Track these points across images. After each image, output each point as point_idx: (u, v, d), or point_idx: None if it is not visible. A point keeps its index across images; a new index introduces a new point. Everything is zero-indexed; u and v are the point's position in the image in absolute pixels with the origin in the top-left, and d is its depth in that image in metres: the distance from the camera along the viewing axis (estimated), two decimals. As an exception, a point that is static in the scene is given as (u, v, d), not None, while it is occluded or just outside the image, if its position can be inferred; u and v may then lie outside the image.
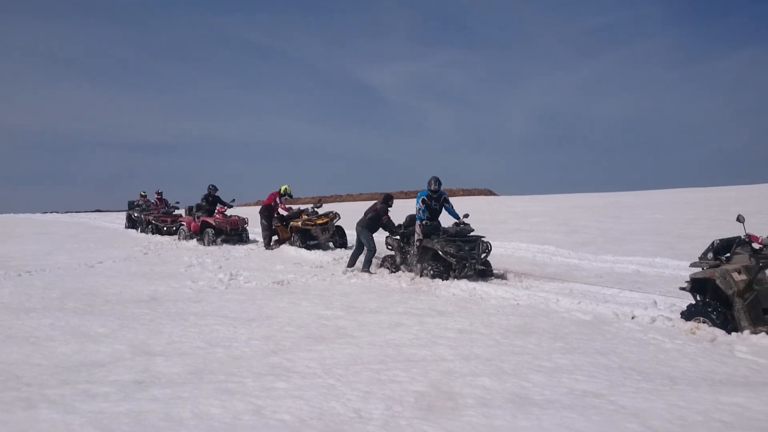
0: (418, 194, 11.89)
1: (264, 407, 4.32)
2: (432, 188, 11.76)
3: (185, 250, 17.48)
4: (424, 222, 11.31)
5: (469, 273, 10.66)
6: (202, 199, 19.71)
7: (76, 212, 60.60)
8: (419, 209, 11.57)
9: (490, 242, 11.38)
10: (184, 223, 20.44)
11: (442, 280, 10.31)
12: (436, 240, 10.87)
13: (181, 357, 5.77)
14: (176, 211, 24.67)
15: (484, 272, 11.03)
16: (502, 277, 11.05)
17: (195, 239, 19.34)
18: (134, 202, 27.86)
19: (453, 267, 10.64)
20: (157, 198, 25.55)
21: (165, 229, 23.22)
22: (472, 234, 11.25)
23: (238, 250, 16.94)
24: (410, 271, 11.43)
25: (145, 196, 27.39)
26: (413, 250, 11.43)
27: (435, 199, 11.77)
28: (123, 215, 31.53)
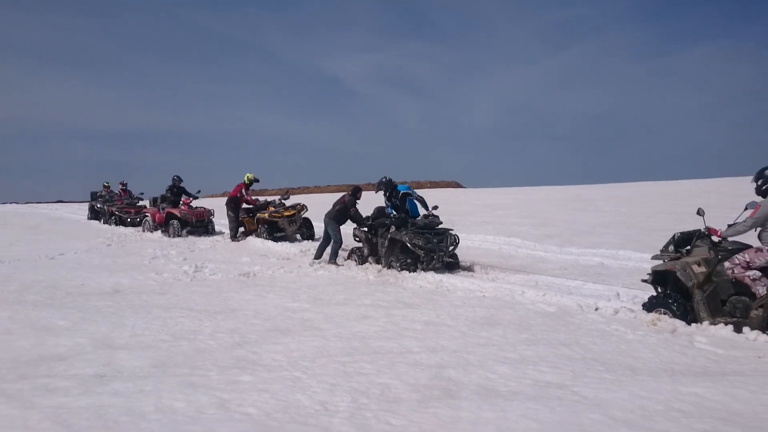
0: (385, 202, 12.09)
1: (229, 400, 4.28)
2: (380, 189, 12.01)
3: (149, 241, 17.22)
4: (392, 215, 11.37)
5: (437, 265, 10.71)
6: (167, 190, 19.41)
7: (37, 203, 59.21)
8: (387, 206, 11.71)
9: (458, 235, 11.44)
10: (149, 215, 20.11)
11: (410, 272, 10.33)
12: (404, 232, 10.88)
13: (144, 350, 5.69)
14: (140, 203, 24.29)
15: (452, 264, 11.08)
16: (468, 269, 11.12)
17: (159, 231, 19.06)
18: (97, 192, 27.30)
19: (421, 259, 10.67)
20: (121, 189, 25.12)
21: (129, 220, 22.83)
22: (440, 227, 11.30)
23: (204, 241, 16.75)
24: (378, 262, 11.43)
25: (108, 187, 26.88)
26: (382, 242, 11.44)
27: (393, 197, 11.86)
28: (85, 206, 30.90)
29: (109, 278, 10.26)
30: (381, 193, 12.31)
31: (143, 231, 19.82)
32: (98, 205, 26.19)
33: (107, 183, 27.02)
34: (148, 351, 5.66)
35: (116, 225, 22.97)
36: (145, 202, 24.09)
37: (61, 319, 7.00)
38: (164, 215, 18.75)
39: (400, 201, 11.97)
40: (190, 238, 17.63)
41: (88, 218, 27.54)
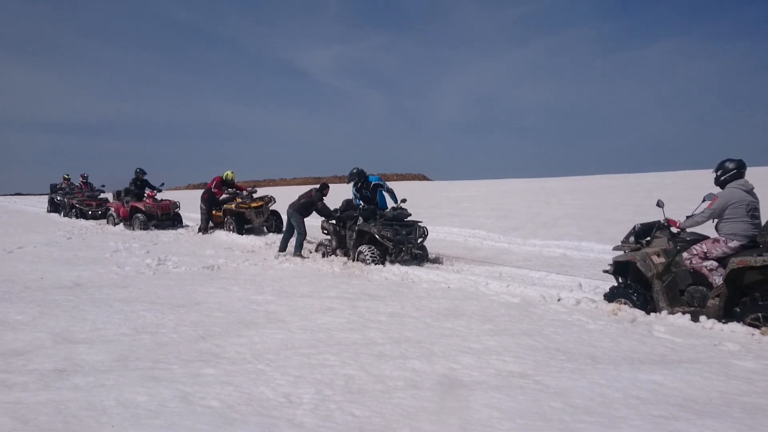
0: (353, 193, 12.08)
1: (191, 394, 4.24)
2: (350, 179, 12.04)
3: (111, 234, 16.94)
4: (360, 207, 11.37)
5: (405, 257, 10.73)
6: (130, 184, 19.08)
7: (-6, 195, 57.84)
8: (355, 198, 11.71)
9: (427, 227, 11.50)
10: (112, 209, 19.76)
11: (381, 265, 10.33)
12: (373, 224, 10.88)
13: (105, 344, 5.60)
14: (102, 195, 23.90)
15: (420, 256, 11.12)
16: (434, 261, 11.18)
17: (122, 224, 18.76)
18: (57, 185, 26.79)
19: (390, 251, 10.69)
20: (82, 182, 24.67)
21: (90, 213, 22.46)
22: (408, 219, 11.33)
23: (167, 234, 16.54)
24: (346, 255, 11.42)
25: (69, 179, 26.39)
26: (350, 234, 11.42)
27: (364, 188, 11.86)
28: (45, 199, 30.31)
29: (70, 272, 10.07)
30: (351, 185, 12.28)
31: (108, 224, 19.49)
32: (58, 198, 25.72)
33: (67, 175, 26.53)
34: (109, 345, 5.57)
35: (77, 218, 22.59)
36: (107, 195, 23.71)
37: (19, 314, 6.86)
38: (128, 209, 18.42)
39: (371, 192, 11.97)
40: (153, 231, 17.39)
41: (48, 211, 27.04)
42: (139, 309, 7.12)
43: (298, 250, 12.02)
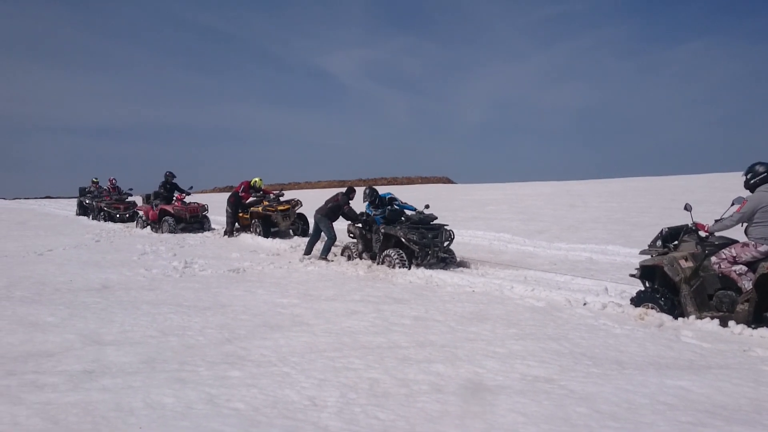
0: (366, 206, 12.00)
1: (217, 396, 4.28)
2: (369, 199, 11.93)
3: (138, 237, 17.16)
4: (386, 215, 11.32)
5: (432, 261, 10.69)
6: (160, 187, 19.27)
7: (25, 198, 58.83)
8: (374, 216, 11.64)
9: (453, 230, 11.46)
10: (141, 212, 19.97)
11: (407, 268, 10.32)
12: (398, 227, 10.88)
13: (132, 346, 5.68)
14: (129, 198, 24.20)
15: (447, 260, 11.08)
16: (458, 264, 11.15)
17: (149, 227, 18.97)
18: (86, 188, 27.17)
19: (416, 254, 10.67)
20: (111, 186, 24.98)
21: (118, 216, 22.75)
22: (435, 222, 11.30)
23: (194, 237, 16.70)
24: (372, 258, 11.43)
25: (97, 183, 26.76)
26: (376, 237, 11.42)
27: (380, 205, 11.80)
28: (74, 202, 30.75)
29: (98, 274, 10.22)
30: (366, 204, 12.15)
31: (137, 227, 19.71)
32: (87, 201, 26.06)
33: (96, 179, 26.91)
34: (136, 347, 5.65)
35: (105, 221, 22.89)
36: (135, 198, 24.00)
37: (49, 316, 6.98)
38: (157, 212, 18.62)
39: (389, 205, 11.91)
40: (180, 234, 17.56)
41: (77, 214, 27.40)
42: (166, 311, 7.20)
43: (325, 254, 12.05)
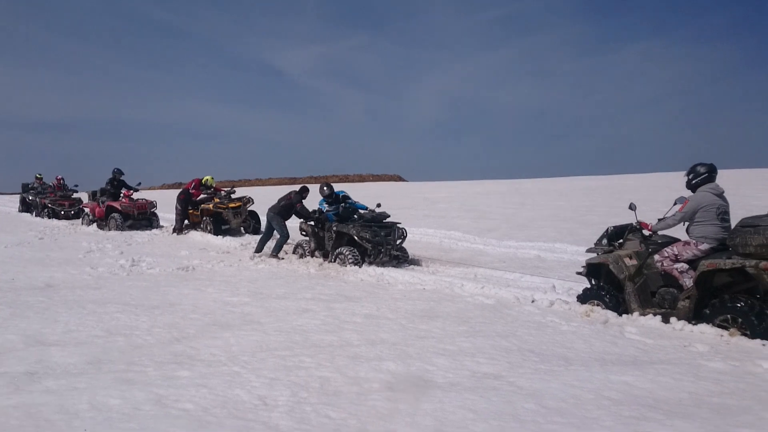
0: (319, 203, 11.94)
1: (166, 396, 4.22)
2: (325, 194, 11.82)
3: (84, 235, 16.75)
4: (340, 212, 11.28)
5: (385, 259, 10.73)
6: (107, 183, 18.83)
7: (-36, 194, 56.75)
8: (326, 212, 11.60)
9: (406, 228, 11.51)
10: (88, 209, 19.47)
11: (359, 266, 10.32)
12: (351, 225, 10.87)
13: (77, 346, 5.54)
14: (75, 195, 23.59)
15: (400, 258, 11.13)
16: (410, 262, 11.22)
17: (95, 224, 18.52)
18: (29, 184, 26.38)
19: (368, 252, 10.68)
20: (57, 183, 24.27)
21: (62, 213, 22.16)
22: (387, 220, 11.33)
23: (141, 235, 16.38)
24: (325, 257, 11.39)
25: (41, 179, 26.01)
26: (329, 235, 11.39)
27: (334, 202, 11.79)
28: (16, 198, 29.87)
29: (42, 273, 9.94)
30: (321, 200, 12.09)
31: (82, 224, 19.21)
32: (30, 198, 25.32)
33: (39, 174, 26.16)
34: (82, 347, 5.51)
35: (49, 218, 22.27)
36: (80, 195, 23.41)
37: (-11, 316, 6.76)
38: (104, 209, 18.17)
39: (343, 203, 11.90)
40: (128, 231, 17.19)
41: (19, 210, 26.64)
42: (113, 311, 7.05)
43: (276, 252, 11.98)
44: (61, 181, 24.25)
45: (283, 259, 11.78)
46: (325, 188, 11.93)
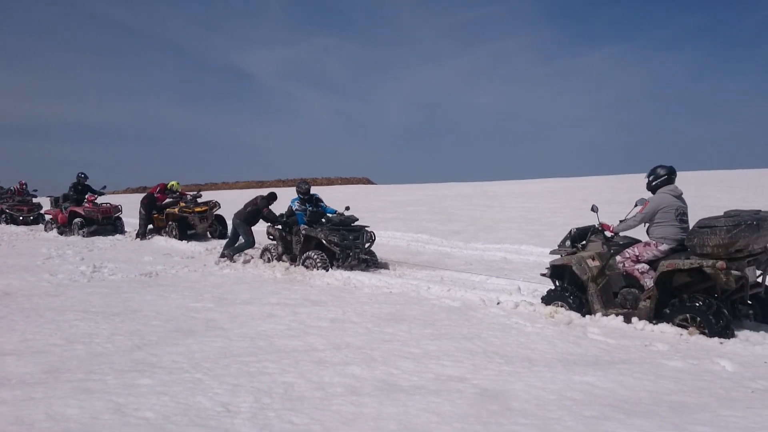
0: (291, 200, 11.87)
1: (125, 405, 4.14)
2: (302, 190, 11.77)
3: (43, 240, 16.39)
4: (308, 216, 11.23)
5: (353, 262, 10.69)
6: (70, 188, 18.33)
7: None
8: (296, 211, 11.55)
9: (374, 232, 11.49)
10: (50, 216, 19.00)
11: (326, 270, 10.26)
12: (319, 229, 10.82)
13: (34, 355, 5.41)
14: (35, 200, 23.09)
15: (368, 261, 11.11)
16: (377, 265, 11.20)
17: (55, 230, 18.12)
18: (-15, 189, 25.73)
19: (337, 256, 10.64)
20: (19, 188, 23.70)
21: (21, 218, 21.67)
22: (356, 223, 11.30)
23: (103, 240, 16.09)
24: (293, 261, 11.32)
25: (-3, 183, 25.39)
26: (297, 239, 11.33)
27: (308, 201, 11.74)
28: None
29: (-1, 280, 9.69)
30: (295, 197, 12.03)
31: (45, 231, 18.74)
32: (-13, 203, 24.70)
33: (-4, 179, 25.52)
34: (39, 356, 5.39)
35: (7, 224, 21.75)
36: (40, 200, 22.92)
37: (-58, 325, 6.57)
38: (67, 215, 17.76)
39: (314, 205, 11.87)
40: (89, 237, 16.83)
41: (-24, 216, 25.97)
42: (72, 318, 6.91)
43: (234, 252, 12.00)
44: (24, 186, 23.71)
45: (235, 261, 11.80)
46: (303, 185, 11.89)
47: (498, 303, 7.59)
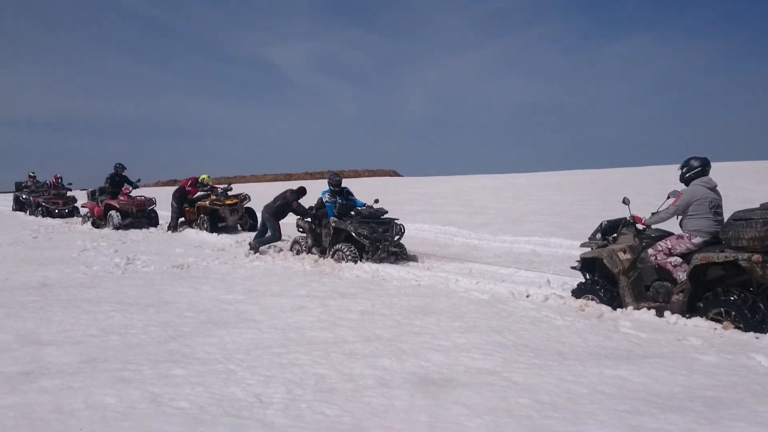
0: (322, 192, 11.90)
1: (161, 395, 4.22)
2: (334, 182, 11.78)
3: (78, 233, 16.71)
4: (334, 214, 11.25)
5: (383, 255, 10.72)
6: (107, 180, 18.61)
7: (-43, 193, 56.54)
8: (326, 203, 11.58)
9: (403, 224, 11.50)
10: (88, 209, 19.31)
11: (354, 263, 10.31)
12: (349, 221, 10.86)
13: (73, 346, 5.54)
14: (69, 193, 23.52)
15: (398, 254, 11.13)
16: (406, 258, 11.22)
17: (89, 222, 18.43)
18: (22, 183, 26.29)
19: (366, 249, 10.68)
20: (54, 182, 24.17)
21: (57, 211, 22.09)
22: (385, 216, 11.32)
23: (136, 233, 16.35)
24: (322, 253, 11.39)
25: (34, 177, 25.93)
26: (326, 232, 11.39)
27: (338, 193, 11.77)
28: (10, 197, 29.81)
29: (36, 272, 9.92)
30: (328, 189, 12.04)
31: (82, 224, 19.05)
32: (23, 196, 25.24)
33: (33, 173, 26.07)
34: (77, 346, 5.51)
35: (43, 216, 22.19)
36: (74, 193, 23.34)
37: (-17, 316, 6.74)
38: (103, 208, 18.05)
39: (345, 198, 11.90)
40: (122, 230, 17.09)
41: (13, 209, 26.59)
42: (108, 309, 7.05)
43: (261, 245, 12.13)
44: (59, 180, 24.16)
45: (259, 253, 11.93)
46: (335, 177, 11.92)
47: (527, 296, 7.56)
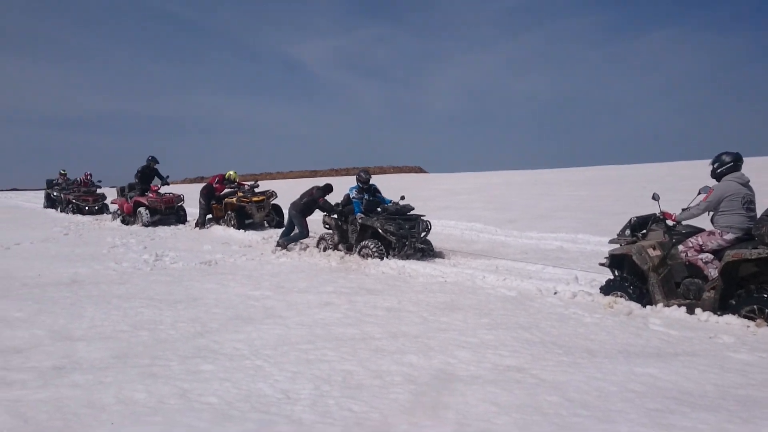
0: (349, 188, 11.89)
1: (190, 390, 4.26)
2: (362, 179, 11.76)
3: (108, 230, 16.94)
4: (361, 210, 11.25)
5: (409, 252, 10.70)
6: (138, 172, 18.74)
7: (-9, 191, 57.66)
8: (353, 199, 11.58)
9: (430, 221, 11.47)
10: (117, 205, 19.56)
11: (381, 259, 10.32)
12: (375, 218, 10.87)
13: (103, 341, 5.62)
14: (99, 190, 23.87)
15: (425, 251, 11.11)
16: (432, 254, 11.19)
17: (118, 219, 18.67)
18: (53, 180, 26.74)
19: (393, 245, 10.67)
20: (84, 179, 24.54)
21: (87, 208, 22.43)
22: (412, 213, 11.30)
23: (164, 230, 16.54)
24: (349, 250, 11.41)
25: (65, 174, 26.34)
26: (353, 228, 11.40)
27: (366, 191, 11.76)
28: (41, 194, 30.33)
29: (67, 268, 10.07)
30: (356, 185, 12.03)
31: (112, 221, 19.29)
32: (54, 194, 25.67)
33: (63, 170, 26.49)
34: (107, 342, 5.59)
35: (73, 213, 22.56)
36: (104, 190, 23.67)
37: (17, 311, 6.87)
38: (132, 204, 18.27)
39: (372, 195, 11.89)
40: (151, 226, 17.29)
41: (44, 206, 27.06)
42: (137, 305, 7.13)
43: (288, 242, 12.18)
44: (89, 177, 24.51)
45: (287, 250, 12.01)
46: (364, 174, 11.92)
47: (555, 293, 7.51)
